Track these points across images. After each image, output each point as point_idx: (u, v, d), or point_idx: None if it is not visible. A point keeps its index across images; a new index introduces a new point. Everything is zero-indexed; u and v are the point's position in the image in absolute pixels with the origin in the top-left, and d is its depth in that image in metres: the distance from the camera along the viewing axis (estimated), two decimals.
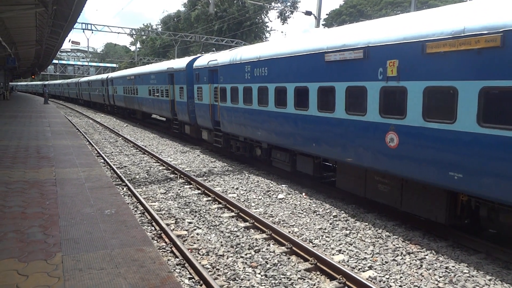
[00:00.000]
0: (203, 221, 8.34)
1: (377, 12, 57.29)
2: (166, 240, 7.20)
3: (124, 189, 10.71)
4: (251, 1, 39.51)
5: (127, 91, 29.34)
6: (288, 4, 55.43)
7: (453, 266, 6.18)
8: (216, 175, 12.46)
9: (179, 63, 19.15)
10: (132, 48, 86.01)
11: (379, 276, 5.89)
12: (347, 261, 6.41)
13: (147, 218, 8.43)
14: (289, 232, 7.65)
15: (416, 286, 5.63)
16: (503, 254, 6.41)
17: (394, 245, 7.02)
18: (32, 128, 16.75)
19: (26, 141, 12.93)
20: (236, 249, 6.88)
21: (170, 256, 6.59)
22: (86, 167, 9.32)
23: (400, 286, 5.64)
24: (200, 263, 6.20)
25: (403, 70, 7.01)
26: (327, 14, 68.72)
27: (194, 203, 9.62)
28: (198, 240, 7.34)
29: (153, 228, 7.88)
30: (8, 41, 23.22)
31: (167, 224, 8.00)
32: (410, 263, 6.31)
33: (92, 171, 8.94)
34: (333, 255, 6.67)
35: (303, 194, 10.23)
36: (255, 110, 11.92)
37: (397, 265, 6.28)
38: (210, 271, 6.06)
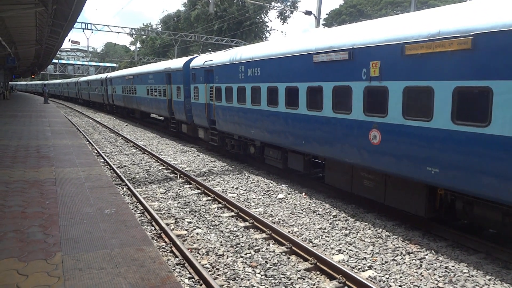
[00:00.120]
0: (203, 221, 8.34)
1: (377, 12, 57.28)
2: (166, 239, 7.20)
3: (124, 188, 10.71)
4: (251, 0, 39.48)
5: (125, 90, 29.57)
6: (288, 3, 55.43)
7: (452, 266, 6.19)
8: (216, 175, 12.47)
9: (176, 63, 19.49)
10: (132, 47, 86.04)
11: (379, 276, 5.90)
12: (347, 261, 6.41)
13: (147, 217, 8.43)
14: (289, 232, 7.66)
15: (416, 286, 5.63)
16: (503, 254, 6.41)
17: (394, 245, 7.03)
18: (32, 128, 16.74)
19: (26, 141, 12.93)
20: (236, 249, 6.88)
21: (170, 255, 6.59)
22: (86, 167, 9.32)
23: (400, 285, 5.64)
24: (200, 262, 6.20)
25: (384, 71, 7.39)
26: (327, 14, 68.77)
27: (194, 202, 9.62)
28: (198, 239, 7.34)
29: (153, 227, 7.88)
30: (8, 41, 23.22)
31: (167, 224, 8.01)
32: (410, 263, 6.32)
33: (92, 171, 8.94)
34: (333, 255, 6.67)
35: (303, 194, 10.24)
36: (248, 109, 12.26)
37: (397, 265, 6.28)
38: (210, 271, 6.06)
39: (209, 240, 7.31)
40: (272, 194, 10.28)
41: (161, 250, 6.76)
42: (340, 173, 9.25)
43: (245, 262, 6.37)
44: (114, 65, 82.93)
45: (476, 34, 5.85)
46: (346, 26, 9.82)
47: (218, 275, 5.98)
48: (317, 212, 8.80)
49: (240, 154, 14.30)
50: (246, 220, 8.25)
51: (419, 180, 7.05)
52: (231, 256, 6.59)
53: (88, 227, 5.48)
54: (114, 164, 13.83)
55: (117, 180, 11.68)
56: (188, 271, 6.03)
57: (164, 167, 13.69)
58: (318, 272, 6.10)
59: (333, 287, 5.62)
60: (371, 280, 5.77)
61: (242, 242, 7.14)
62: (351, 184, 8.91)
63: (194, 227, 7.97)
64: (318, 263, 6.19)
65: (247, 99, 12.31)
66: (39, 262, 4.38)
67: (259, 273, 6.00)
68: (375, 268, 6.16)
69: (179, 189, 10.80)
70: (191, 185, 11.23)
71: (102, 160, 14.59)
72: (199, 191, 10.66)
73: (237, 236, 7.48)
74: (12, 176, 8.12)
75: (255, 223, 8.02)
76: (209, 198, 10.00)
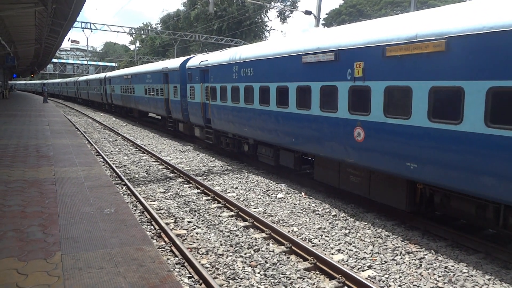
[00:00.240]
0: (203, 220, 8.34)
1: (377, 12, 57.29)
2: (166, 239, 7.20)
3: (124, 188, 10.71)
4: (251, 0, 39.47)
5: (124, 90, 29.81)
6: (288, 3, 55.40)
7: (452, 266, 6.19)
8: (215, 174, 12.47)
9: (173, 63, 19.86)
10: (132, 47, 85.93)
11: (379, 276, 5.90)
12: (347, 261, 6.41)
13: (146, 217, 8.43)
14: (289, 231, 7.66)
15: (416, 285, 5.64)
16: (502, 254, 6.42)
17: (394, 244, 7.03)
18: (31, 127, 16.73)
19: (26, 140, 12.92)
20: (236, 249, 6.88)
21: (169, 255, 6.59)
22: (85, 166, 9.31)
23: (399, 285, 5.65)
24: (199, 262, 6.20)
25: (367, 71, 7.76)
26: (326, 14, 68.79)
27: (194, 202, 9.62)
28: (197, 239, 7.34)
29: (152, 227, 7.88)
30: (7, 40, 23.20)
31: (167, 223, 8.00)
32: (410, 263, 6.32)
33: (92, 170, 8.93)
34: (332, 254, 6.67)
35: (303, 193, 10.24)
36: (242, 108, 12.64)
37: (396, 264, 6.29)
38: (209, 270, 6.06)
39: (208, 239, 7.31)
40: (272, 194, 10.28)
41: (160, 249, 6.76)
42: (328, 170, 9.62)
43: (245, 262, 6.37)
44: (113, 64, 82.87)
45: (450, 37, 6.22)
46: (333, 28, 10.33)
47: (218, 274, 5.98)
48: (317, 212, 8.80)
49: (235, 152, 14.62)
50: (246, 220, 8.25)
51: (399, 175, 7.40)
52: (231, 256, 6.59)
53: (88, 226, 5.47)
54: (113, 164, 13.82)
55: (116, 179, 11.68)
56: (187, 270, 6.03)
57: (163, 167, 13.69)
58: (317, 272, 6.10)
59: (332, 287, 5.62)
60: (370, 280, 5.78)
61: (242, 242, 7.14)
62: (339, 180, 9.28)
63: (194, 227, 7.97)
64: (317, 263, 6.19)
65: (240, 99, 12.65)
66: (39, 261, 4.38)
67: (258, 273, 6.00)
68: (374, 268, 6.16)
69: (178, 189, 10.80)
70: (190, 185, 11.23)
71: (102, 160, 14.59)
72: (199, 190, 10.66)
73: (236, 235, 7.48)
74: (11, 176, 8.11)
75: (254, 222, 8.02)
76: (209, 197, 10.00)
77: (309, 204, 9.34)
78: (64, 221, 5.64)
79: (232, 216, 8.63)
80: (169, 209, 9.05)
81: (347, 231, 7.65)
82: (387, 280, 5.79)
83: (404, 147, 7.08)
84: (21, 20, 17.97)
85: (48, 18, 16.96)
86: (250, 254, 6.65)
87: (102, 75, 39.40)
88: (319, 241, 7.23)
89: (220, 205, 9.37)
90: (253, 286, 5.61)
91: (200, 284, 5.62)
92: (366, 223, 8.05)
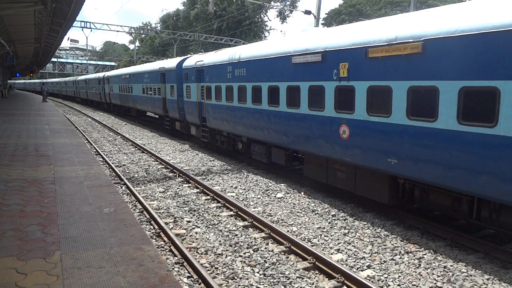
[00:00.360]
0: (202, 220, 8.34)
1: (376, 12, 57.30)
2: (165, 238, 7.20)
3: (123, 187, 10.71)
4: (251, 0, 39.45)
5: (122, 89, 30.08)
6: (287, 3, 55.38)
7: (451, 266, 6.20)
8: (215, 174, 12.47)
9: (170, 63, 20.27)
10: (131, 46, 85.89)
11: (378, 275, 5.90)
12: (346, 260, 6.42)
13: (145, 216, 8.43)
14: (288, 231, 7.66)
15: (415, 285, 5.64)
16: (501, 254, 6.43)
17: (393, 244, 7.04)
18: (30, 126, 16.71)
19: (25, 139, 12.91)
20: (235, 248, 6.88)
21: (168, 254, 6.59)
22: (84, 166, 9.31)
23: (398, 285, 5.65)
24: (198, 262, 6.20)
25: (352, 72, 8.16)
26: (326, 14, 68.77)
27: (193, 202, 9.62)
28: (196, 239, 7.34)
29: (151, 226, 7.88)
30: (6, 39, 23.17)
31: (166, 223, 8.00)
32: (409, 262, 6.33)
33: (91, 170, 8.92)
34: (331, 254, 6.68)
35: (302, 193, 10.25)
36: (235, 107, 13.04)
37: (395, 264, 6.29)
38: (208, 270, 6.06)
39: (208, 239, 7.31)
40: (271, 193, 10.29)
41: (160, 249, 6.76)
42: (317, 166, 10.03)
43: (244, 261, 6.37)
44: (113, 64, 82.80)
45: (426, 40, 6.60)
46: (320, 30, 10.85)
47: (217, 274, 5.98)
48: (316, 212, 8.80)
49: (229, 150, 14.99)
50: (245, 219, 8.25)
51: (382, 171, 7.80)
52: (230, 255, 6.59)
53: (87, 226, 5.47)
54: (113, 163, 13.81)
55: (116, 179, 11.68)
56: (187, 270, 6.03)
57: (163, 166, 13.69)
58: (317, 272, 6.11)
59: (331, 287, 5.62)
60: (369, 280, 5.78)
61: (241, 241, 7.15)
62: (327, 176, 9.69)
63: (193, 226, 7.97)
64: (317, 263, 6.19)
65: (234, 98, 13.04)
66: (38, 260, 4.38)
67: (258, 272, 6.00)
68: (373, 268, 6.17)
69: (178, 188, 10.80)
70: (190, 184, 11.23)
71: (101, 159, 14.58)
72: (198, 190, 10.65)
73: (236, 235, 7.48)
74: (10, 175, 8.11)
75: (254, 222, 8.03)
76: (208, 197, 10.00)
77: (308, 204, 9.34)
78: (63, 220, 5.64)
79: (231, 215, 8.63)
80: (168, 209, 9.05)
81: (346, 231, 7.66)
82: (386, 280, 5.79)
83: (385, 143, 7.48)
84: (21, 19, 17.95)
85: (48, 17, 16.94)
86: (249, 254, 6.65)
87: (100, 74, 39.59)
88: (318, 240, 7.24)
89: (219, 204, 9.37)
90: (252, 285, 5.61)
91: (199, 284, 5.62)
92: (365, 223, 8.06)
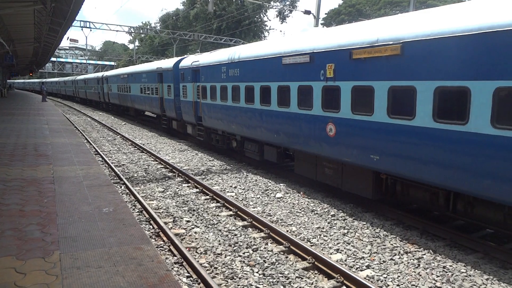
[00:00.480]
0: (201, 220, 8.33)
1: (376, 12, 57.30)
2: (164, 238, 7.19)
3: (122, 187, 10.70)
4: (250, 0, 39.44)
5: (121, 89, 30.38)
6: (287, 3, 55.35)
7: (450, 266, 6.20)
8: (214, 174, 12.46)
9: (167, 63, 20.67)
10: (131, 46, 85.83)
11: (377, 275, 5.91)
12: (345, 260, 6.42)
13: (145, 216, 8.42)
14: (287, 231, 7.66)
15: (414, 285, 5.64)
16: (501, 254, 6.44)
17: (392, 244, 7.04)
18: (30, 126, 16.70)
19: (24, 139, 12.89)
20: (234, 248, 6.88)
21: (168, 254, 6.59)
22: (84, 165, 9.30)
23: (397, 285, 5.65)
24: (198, 261, 6.20)
25: (337, 72, 8.51)
26: (326, 14, 68.76)
27: (192, 201, 9.61)
28: (196, 238, 7.34)
29: (151, 226, 7.87)
30: (6, 38, 23.15)
31: (165, 223, 8.00)
32: (408, 263, 6.33)
33: (90, 169, 8.92)
34: (331, 254, 6.68)
35: (301, 193, 10.25)
36: (229, 106, 13.40)
37: (394, 264, 6.29)
38: (208, 270, 6.06)
39: (207, 239, 7.30)
40: (271, 193, 10.29)
41: (159, 248, 6.75)
42: (306, 163, 10.36)
43: (243, 261, 6.37)
44: (112, 63, 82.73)
45: (404, 42, 6.96)
46: (308, 32, 11.25)
47: (216, 274, 5.98)
48: (315, 212, 8.80)
49: (224, 148, 15.35)
50: (245, 219, 8.25)
51: (365, 167, 8.16)
52: (229, 255, 6.59)
53: (86, 225, 5.47)
54: (112, 163, 13.81)
55: (115, 178, 11.67)
56: (186, 270, 6.03)
57: (162, 166, 13.68)
58: (316, 271, 6.11)
59: (331, 286, 5.62)
60: (369, 280, 5.78)
61: (240, 241, 7.14)
62: (316, 172, 10.00)
63: (193, 226, 7.96)
64: (316, 262, 6.19)
65: (228, 97, 13.38)
66: (37, 260, 4.37)
67: (257, 272, 6.00)
68: (373, 268, 6.17)
69: (177, 188, 10.79)
70: (189, 184, 11.23)
71: (100, 159, 14.57)
72: (198, 190, 10.65)
73: (235, 235, 7.48)
74: (10, 174, 8.10)
75: (253, 222, 8.02)
76: (208, 197, 9.99)
77: (307, 204, 9.34)
78: (62, 220, 5.63)
79: (230, 215, 8.63)
80: (167, 209, 9.05)
81: (345, 231, 7.66)
82: (385, 280, 5.79)
83: (368, 140, 7.85)
84: (20, 19, 17.93)
85: (47, 17, 16.92)
86: (248, 254, 6.65)
87: (99, 74, 39.78)
88: (318, 240, 7.24)
89: (219, 204, 9.36)
90: (252, 285, 5.61)
91: (199, 284, 5.62)
92: (364, 223, 8.06)
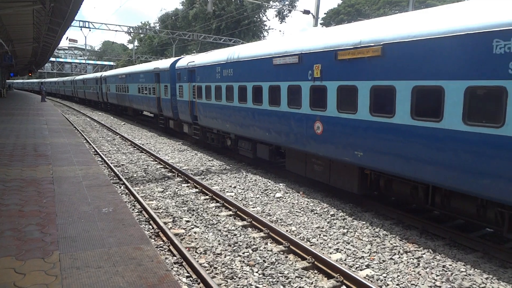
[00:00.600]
0: (201, 220, 8.33)
1: (375, 12, 57.29)
2: (164, 238, 7.19)
3: (122, 187, 10.69)
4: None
5: (119, 89, 30.66)
6: (286, 3, 55.32)
7: (450, 265, 6.21)
8: (213, 174, 12.46)
9: (164, 63, 21.03)
10: (130, 46, 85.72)
11: (377, 275, 5.91)
12: (345, 260, 6.42)
13: (144, 216, 8.42)
14: (287, 231, 7.66)
15: (413, 284, 5.65)
16: (500, 253, 6.44)
17: (392, 244, 7.04)
18: (29, 126, 16.68)
19: (24, 139, 12.88)
20: (234, 248, 6.88)
21: (167, 254, 6.58)
22: (83, 165, 9.30)
23: (397, 284, 5.66)
24: (197, 261, 6.20)
25: (324, 73, 8.88)
26: (325, 13, 68.73)
27: (192, 201, 9.61)
28: (195, 238, 7.34)
29: (150, 226, 7.87)
30: (5, 38, 23.13)
31: (165, 223, 7.99)
32: (407, 262, 6.33)
33: (90, 169, 8.91)
34: (330, 253, 6.68)
35: (301, 193, 10.25)
36: (224, 105, 13.76)
37: (394, 263, 6.30)
38: (207, 270, 6.06)
39: (207, 239, 7.30)
40: (270, 193, 10.28)
41: (158, 249, 6.75)
42: (297, 160, 10.71)
43: (243, 261, 6.37)
44: (111, 63, 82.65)
45: (384, 44, 7.32)
46: (298, 33, 11.99)
47: (216, 274, 5.97)
48: (315, 211, 8.81)
49: (219, 146, 15.69)
50: (244, 219, 8.25)
51: (351, 163, 8.48)
52: (229, 255, 6.59)
53: (86, 225, 5.46)
54: (111, 163, 13.80)
55: (114, 178, 11.66)
56: (186, 270, 6.03)
57: (161, 166, 13.68)
58: (315, 271, 6.11)
59: (330, 286, 5.63)
60: (368, 279, 5.79)
61: (240, 241, 7.14)
62: (305, 169, 10.35)
63: (192, 226, 7.96)
64: (315, 262, 6.19)
65: (222, 97, 13.75)
66: (37, 260, 4.37)
67: (256, 272, 6.00)
68: (372, 267, 6.17)
69: (177, 188, 10.79)
70: (189, 184, 11.22)
71: (100, 159, 14.56)
72: (197, 190, 10.65)
73: (235, 235, 7.48)
74: (9, 175, 8.09)
75: (253, 222, 8.02)
76: (207, 197, 9.99)
77: (307, 204, 9.34)
78: (62, 220, 5.63)
79: (230, 215, 8.63)
80: (167, 209, 9.04)
81: (345, 231, 7.66)
82: (385, 279, 5.80)
83: (353, 138, 8.21)
84: (19, 19, 17.92)
85: (46, 17, 16.91)
86: (248, 254, 6.65)
87: (98, 74, 39.99)
88: (317, 240, 7.24)
89: (218, 204, 9.36)
90: (251, 285, 5.61)
91: (198, 284, 5.61)
92: (364, 223, 8.07)
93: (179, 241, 6.93)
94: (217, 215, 8.63)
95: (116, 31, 40.28)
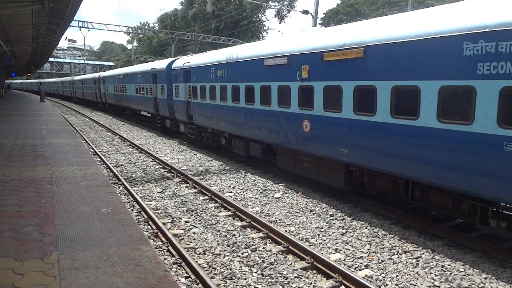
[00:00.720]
0: (200, 220, 8.33)
1: (374, 12, 57.33)
2: (163, 239, 7.18)
3: (121, 188, 10.68)
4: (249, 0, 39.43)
5: (117, 89, 30.93)
6: (285, 3, 55.33)
7: (449, 265, 6.21)
8: (212, 174, 12.46)
9: (161, 64, 21.43)
10: (129, 46, 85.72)
11: (376, 275, 5.91)
12: (344, 260, 6.42)
13: (143, 217, 8.41)
14: (286, 231, 7.66)
15: (412, 284, 5.65)
16: (499, 253, 6.45)
17: (391, 244, 7.05)
18: (28, 126, 16.66)
19: (22, 139, 12.87)
20: (233, 248, 6.87)
21: (166, 255, 6.58)
22: (82, 166, 9.29)
23: (396, 284, 5.66)
24: (196, 262, 6.19)
25: (311, 73, 9.24)
26: (324, 13, 68.76)
27: (191, 202, 9.61)
28: (194, 239, 7.33)
29: (149, 227, 7.86)
30: (4, 39, 23.11)
31: (164, 223, 7.99)
32: (406, 262, 6.34)
33: (89, 170, 8.91)
34: (329, 254, 6.68)
35: (300, 193, 10.25)
36: (218, 105, 14.14)
37: (393, 263, 6.30)
38: (206, 270, 6.05)
39: (205, 239, 7.30)
40: (269, 193, 10.28)
41: (157, 249, 6.74)
42: (287, 158, 11.11)
43: (242, 262, 6.37)
44: (110, 63, 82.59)
45: (366, 46, 7.69)
46: (286, 36, 12.67)
47: (215, 274, 5.97)
48: (314, 211, 8.81)
49: (214, 145, 16.02)
50: (243, 220, 8.24)
51: (337, 160, 8.83)
52: (228, 256, 6.59)
53: (84, 226, 5.46)
54: (110, 163, 13.78)
55: (113, 179, 11.65)
56: (184, 270, 6.02)
57: (160, 166, 13.67)
58: (314, 271, 6.11)
59: (329, 286, 5.63)
60: (367, 279, 5.79)
61: (239, 242, 7.14)
62: (295, 166, 10.71)
63: (191, 227, 7.96)
64: (314, 262, 6.19)
65: (217, 97, 14.12)
66: (35, 261, 4.36)
67: (255, 272, 6.00)
68: (371, 267, 6.18)
69: (176, 188, 10.79)
70: (188, 184, 11.22)
71: (99, 159, 14.54)
72: (196, 190, 10.64)
73: (233, 235, 7.47)
74: (8, 175, 8.08)
75: (252, 222, 8.02)
76: (206, 197, 9.99)
77: (306, 204, 9.34)
78: (60, 220, 5.62)
79: (229, 215, 8.63)
80: (166, 209, 9.04)
81: (344, 231, 7.67)
82: (384, 279, 5.80)
83: (338, 135, 8.58)
84: (18, 19, 17.89)
85: (45, 17, 16.89)
86: (247, 254, 6.65)
87: (96, 74, 40.23)
88: (316, 240, 7.24)
89: (217, 204, 9.36)
90: (250, 285, 5.60)
91: (197, 284, 5.61)
92: (363, 223, 8.07)
93: (178, 242, 6.93)
94: (216, 215, 8.63)
95: (115, 31, 40.23)
